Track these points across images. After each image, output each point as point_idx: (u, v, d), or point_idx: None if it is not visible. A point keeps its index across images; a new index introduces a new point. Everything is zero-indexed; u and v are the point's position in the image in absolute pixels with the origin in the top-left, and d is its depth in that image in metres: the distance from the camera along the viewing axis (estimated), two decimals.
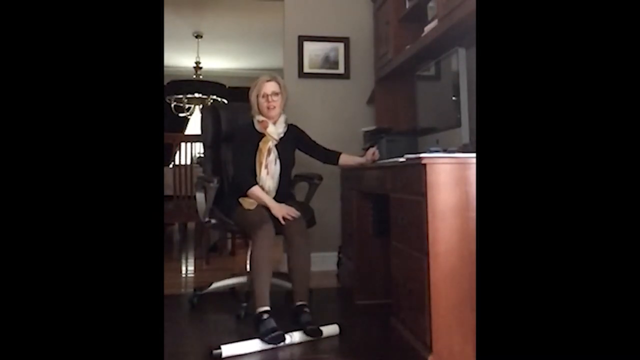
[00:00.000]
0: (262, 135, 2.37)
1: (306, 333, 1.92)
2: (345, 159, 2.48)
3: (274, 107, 2.36)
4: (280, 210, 2.18)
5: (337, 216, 3.15)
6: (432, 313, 1.44)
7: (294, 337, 1.90)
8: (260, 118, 2.38)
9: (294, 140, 2.48)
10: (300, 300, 2.08)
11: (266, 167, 2.32)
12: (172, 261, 3.83)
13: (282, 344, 1.85)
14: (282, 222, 2.17)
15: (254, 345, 1.85)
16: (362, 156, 2.43)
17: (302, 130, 2.53)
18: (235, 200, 2.30)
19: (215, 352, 1.76)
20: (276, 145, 2.37)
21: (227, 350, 1.78)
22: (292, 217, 2.18)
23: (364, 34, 3.37)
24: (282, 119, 2.42)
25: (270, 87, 2.36)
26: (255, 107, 2.40)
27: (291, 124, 2.49)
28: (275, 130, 2.37)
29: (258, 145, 2.34)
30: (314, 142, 2.52)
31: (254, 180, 2.29)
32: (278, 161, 2.35)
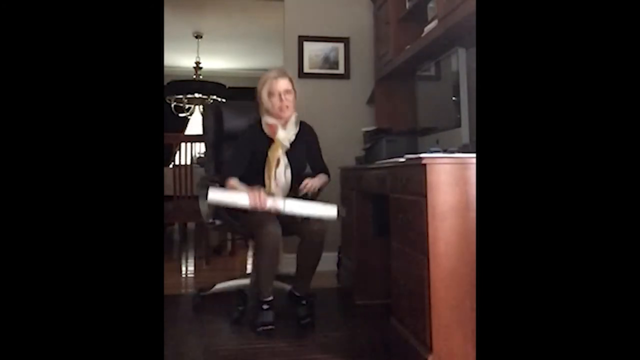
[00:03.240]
0: (270, 141, 2.13)
1: (300, 326, 1.96)
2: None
3: (288, 107, 2.12)
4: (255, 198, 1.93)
5: None
6: (432, 313, 1.44)
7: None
8: (270, 120, 2.14)
9: (306, 143, 2.24)
10: (300, 293, 2.08)
11: (275, 178, 2.10)
12: (172, 261, 3.83)
13: (270, 327, 1.92)
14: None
15: (241, 197, 1.94)
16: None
17: (315, 135, 2.31)
18: None
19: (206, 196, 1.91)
20: (287, 152, 2.15)
21: (213, 195, 1.92)
22: (313, 218, 2.00)
23: (364, 34, 3.37)
24: (292, 120, 2.18)
25: (283, 84, 2.11)
26: (263, 107, 2.15)
27: (303, 122, 2.25)
28: (286, 136, 2.13)
29: (266, 152, 2.12)
30: (319, 153, 2.31)
31: (236, 172, 2.10)
32: (289, 170, 2.15)
